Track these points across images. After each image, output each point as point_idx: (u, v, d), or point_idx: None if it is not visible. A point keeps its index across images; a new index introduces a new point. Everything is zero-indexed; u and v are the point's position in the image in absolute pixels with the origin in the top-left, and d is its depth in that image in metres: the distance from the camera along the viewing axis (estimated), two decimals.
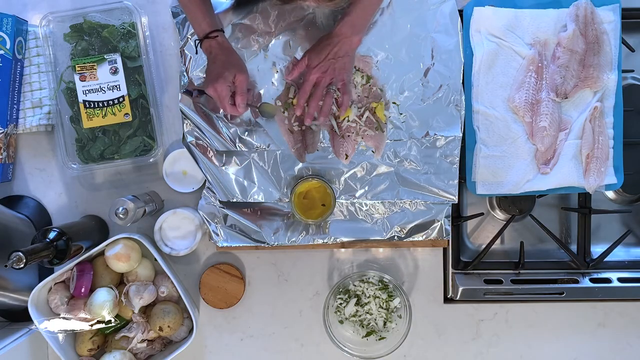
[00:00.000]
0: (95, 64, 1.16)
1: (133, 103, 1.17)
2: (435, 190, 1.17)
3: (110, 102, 1.16)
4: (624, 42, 1.20)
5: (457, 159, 1.17)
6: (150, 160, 1.18)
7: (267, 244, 1.18)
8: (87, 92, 1.16)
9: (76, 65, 1.16)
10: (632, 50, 1.23)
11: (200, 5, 1.05)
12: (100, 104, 1.16)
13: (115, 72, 1.16)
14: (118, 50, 1.17)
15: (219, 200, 1.18)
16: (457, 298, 1.19)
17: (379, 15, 1.16)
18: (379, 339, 1.18)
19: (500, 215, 1.25)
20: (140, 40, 1.16)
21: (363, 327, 1.20)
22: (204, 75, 1.15)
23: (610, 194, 1.27)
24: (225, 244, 1.19)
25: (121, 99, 1.17)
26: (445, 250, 1.23)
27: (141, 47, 1.16)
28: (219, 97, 1.03)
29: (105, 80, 1.16)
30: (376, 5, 1.10)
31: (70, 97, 1.18)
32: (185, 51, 1.17)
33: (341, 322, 1.20)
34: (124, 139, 1.18)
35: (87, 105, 1.16)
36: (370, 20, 1.12)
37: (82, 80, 1.16)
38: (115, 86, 1.16)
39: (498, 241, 1.22)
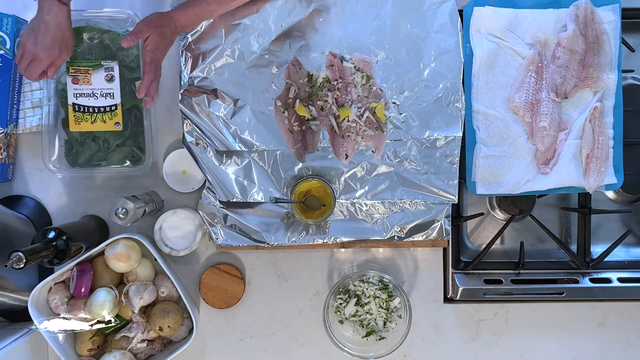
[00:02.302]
0: (91, 68, 1.15)
1: (126, 113, 1.16)
2: (435, 190, 1.17)
3: (102, 109, 1.15)
4: (624, 42, 1.20)
5: (457, 158, 1.17)
6: (138, 174, 1.17)
7: (267, 244, 1.18)
8: (78, 95, 1.15)
9: (70, 67, 1.15)
10: (632, 50, 1.23)
11: None
12: (91, 109, 1.15)
13: (111, 79, 1.15)
14: (117, 58, 1.16)
15: (219, 200, 1.18)
16: (457, 298, 1.19)
17: (379, 15, 1.16)
18: (379, 339, 1.18)
19: (500, 215, 1.25)
20: (141, 51, 1.14)
21: (363, 327, 1.20)
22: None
23: (610, 194, 1.27)
24: (225, 244, 1.19)
25: (113, 108, 1.15)
26: (445, 250, 1.23)
27: (141, 58, 1.15)
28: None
29: (99, 87, 1.15)
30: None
31: (62, 99, 1.17)
32: (186, 51, 1.16)
33: (341, 322, 1.20)
34: (113, 147, 1.17)
35: (76, 109, 1.15)
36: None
37: (74, 83, 1.15)
38: (109, 94, 1.15)
39: (498, 241, 1.22)
